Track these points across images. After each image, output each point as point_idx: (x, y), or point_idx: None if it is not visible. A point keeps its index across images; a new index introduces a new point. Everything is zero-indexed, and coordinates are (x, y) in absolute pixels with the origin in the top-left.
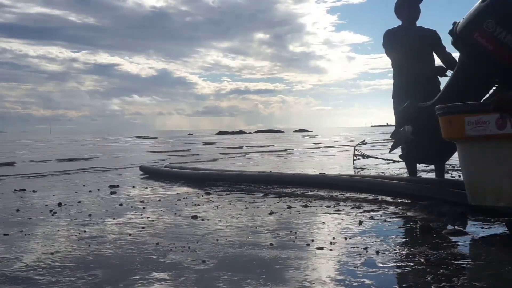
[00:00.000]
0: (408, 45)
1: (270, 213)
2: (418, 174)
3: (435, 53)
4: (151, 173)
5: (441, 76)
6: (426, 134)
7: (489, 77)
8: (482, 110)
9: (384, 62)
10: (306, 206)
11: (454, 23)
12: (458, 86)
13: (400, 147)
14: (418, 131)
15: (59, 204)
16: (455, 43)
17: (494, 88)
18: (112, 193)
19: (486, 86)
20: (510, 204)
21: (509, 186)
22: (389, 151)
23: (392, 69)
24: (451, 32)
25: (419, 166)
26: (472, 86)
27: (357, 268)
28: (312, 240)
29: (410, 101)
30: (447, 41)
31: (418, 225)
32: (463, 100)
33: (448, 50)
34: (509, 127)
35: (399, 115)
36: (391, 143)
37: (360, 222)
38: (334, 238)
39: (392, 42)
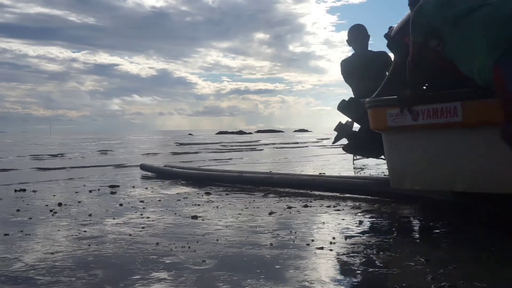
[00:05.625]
0: (363, 71)
1: (270, 213)
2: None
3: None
4: (152, 172)
5: None
6: (367, 128)
7: None
8: None
9: None
10: (306, 206)
11: (390, 28)
12: (393, 84)
13: (344, 139)
14: (359, 125)
15: (59, 204)
16: (389, 46)
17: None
18: (112, 193)
19: None
20: (424, 187)
21: (423, 171)
22: (332, 143)
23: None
24: (386, 36)
25: None
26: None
27: (357, 268)
28: (312, 240)
29: (351, 97)
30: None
31: (418, 225)
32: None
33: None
34: (421, 119)
35: (341, 109)
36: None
37: (360, 222)
38: (334, 238)
39: (349, 70)
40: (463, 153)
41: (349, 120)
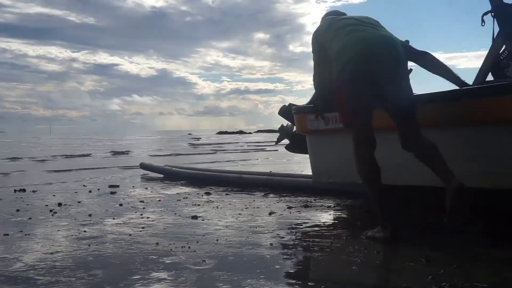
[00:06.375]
0: None
1: (270, 213)
2: None
3: None
4: (152, 171)
5: None
6: None
7: None
8: None
9: None
10: (306, 206)
11: None
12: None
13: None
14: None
15: (59, 204)
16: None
17: None
18: (112, 193)
19: None
20: (336, 180)
21: (334, 167)
22: (275, 143)
23: None
24: None
25: None
26: None
27: (358, 268)
28: (312, 240)
29: (290, 103)
30: None
31: (419, 225)
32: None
33: None
34: (331, 124)
35: (281, 114)
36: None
37: (361, 222)
38: (334, 238)
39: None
40: None
41: (289, 123)
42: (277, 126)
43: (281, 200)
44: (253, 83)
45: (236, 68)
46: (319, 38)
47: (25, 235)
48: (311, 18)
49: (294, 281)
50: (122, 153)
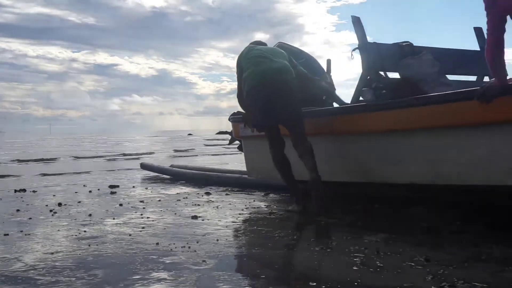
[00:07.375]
0: None
1: (270, 213)
2: None
3: None
4: (152, 171)
5: None
6: None
7: None
8: None
9: None
10: (306, 206)
11: None
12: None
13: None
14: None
15: (59, 204)
16: None
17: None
18: (112, 193)
19: None
20: (263, 177)
21: (260, 166)
22: (228, 144)
23: None
24: None
25: None
26: None
27: (358, 268)
28: (312, 240)
29: (239, 111)
30: None
31: (419, 225)
32: None
33: None
34: (255, 132)
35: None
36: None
37: (361, 223)
38: (334, 238)
39: None
40: None
41: None
42: None
43: (281, 200)
44: None
45: None
46: (239, 62)
47: (25, 235)
48: (311, 18)
49: (294, 281)
50: (140, 154)
